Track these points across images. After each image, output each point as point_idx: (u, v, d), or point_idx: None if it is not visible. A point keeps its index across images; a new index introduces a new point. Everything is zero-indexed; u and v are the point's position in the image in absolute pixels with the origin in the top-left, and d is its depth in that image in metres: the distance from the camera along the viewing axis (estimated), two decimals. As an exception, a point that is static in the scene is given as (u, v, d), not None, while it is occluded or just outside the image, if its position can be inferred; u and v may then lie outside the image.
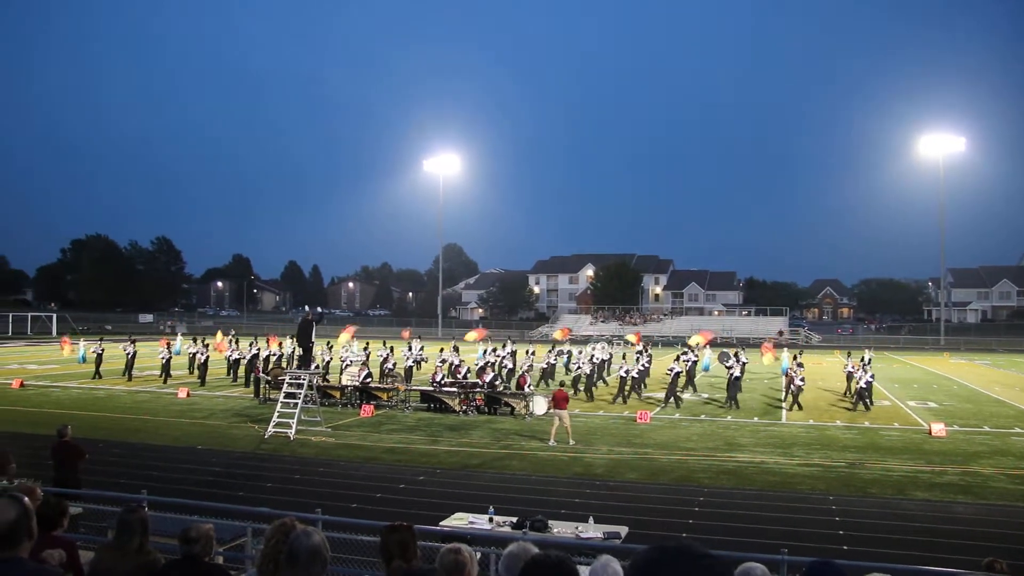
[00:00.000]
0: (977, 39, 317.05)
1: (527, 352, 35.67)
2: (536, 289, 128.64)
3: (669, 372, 28.07)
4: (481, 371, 28.09)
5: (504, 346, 36.90)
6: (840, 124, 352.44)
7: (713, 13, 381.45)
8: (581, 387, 30.18)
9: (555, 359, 35.47)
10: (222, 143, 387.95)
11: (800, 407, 26.56)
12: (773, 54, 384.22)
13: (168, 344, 35.80)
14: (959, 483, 16.10)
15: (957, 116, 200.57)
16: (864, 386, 26.81)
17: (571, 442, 20.07)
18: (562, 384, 24.22)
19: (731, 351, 29.33)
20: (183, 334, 42.32)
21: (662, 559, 2.05)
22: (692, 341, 39.59)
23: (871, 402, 27.13)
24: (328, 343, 32.69)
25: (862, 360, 28.12)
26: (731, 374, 27.85)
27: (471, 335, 42.32)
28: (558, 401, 20.34)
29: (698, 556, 2.04)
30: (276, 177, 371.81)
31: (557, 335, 45.52)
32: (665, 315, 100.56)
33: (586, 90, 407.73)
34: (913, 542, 11.93)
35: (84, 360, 36.63)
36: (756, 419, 24.86)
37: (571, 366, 36.49)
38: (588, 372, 30.56)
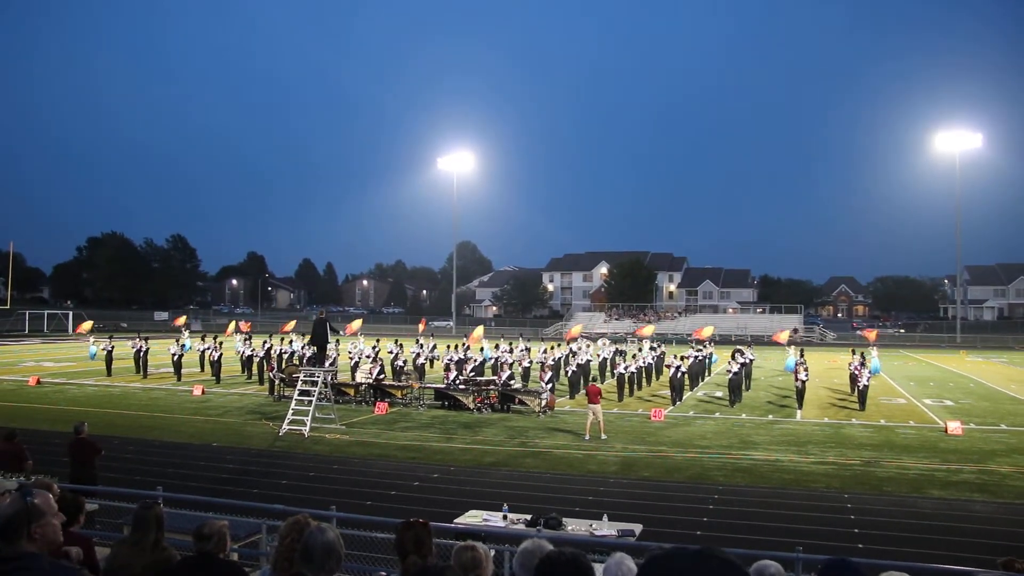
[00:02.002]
0: (994, 34, 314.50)
1: (541, 350, 35.63)
2: (550, 287, 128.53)
3: (669, 368, 28.06)
4: (497, 369, 28.09)
5: (517, 343, 36.85)
6: (856, 121, 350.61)
7: (728, 9, 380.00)
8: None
9: (559, 356, 35.44)
10: (237, 141, 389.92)
11: (800, 404, 26.42)
12: (789, 51, 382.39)
13: (179, 341, 35.95)
14: (975, 481, 15.99)
15: (974, 112, 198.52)
16: (866, 385, 26.65)
17: (603, 436, 20.35)
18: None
19: (743, 347, 29.27)
20: (192, 331, 42.40)
21: (681, 561, 2.03)
22: (706, 332, 39.55)
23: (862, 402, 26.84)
24: (336, 340, 32.64)
25: (862, 359, 27.89)
26: (729, 371, 27.79)
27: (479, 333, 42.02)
28: (591, 396, 20.64)
29: (721, 561, 2.02)
30: (291, 175, 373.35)
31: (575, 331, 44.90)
32: (679, 313, 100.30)
33: (599, 88, 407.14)
34: (929, 540, 11.86)
35: (94, 357, 36.86)
36: (770, 417, 24.77)
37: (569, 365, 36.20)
38: (574, 370, 30.43)
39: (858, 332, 39.02)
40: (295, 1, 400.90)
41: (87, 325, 47.82)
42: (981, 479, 16.21)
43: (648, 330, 42.31)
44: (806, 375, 26.77)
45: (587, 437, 20.36)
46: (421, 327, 44.90)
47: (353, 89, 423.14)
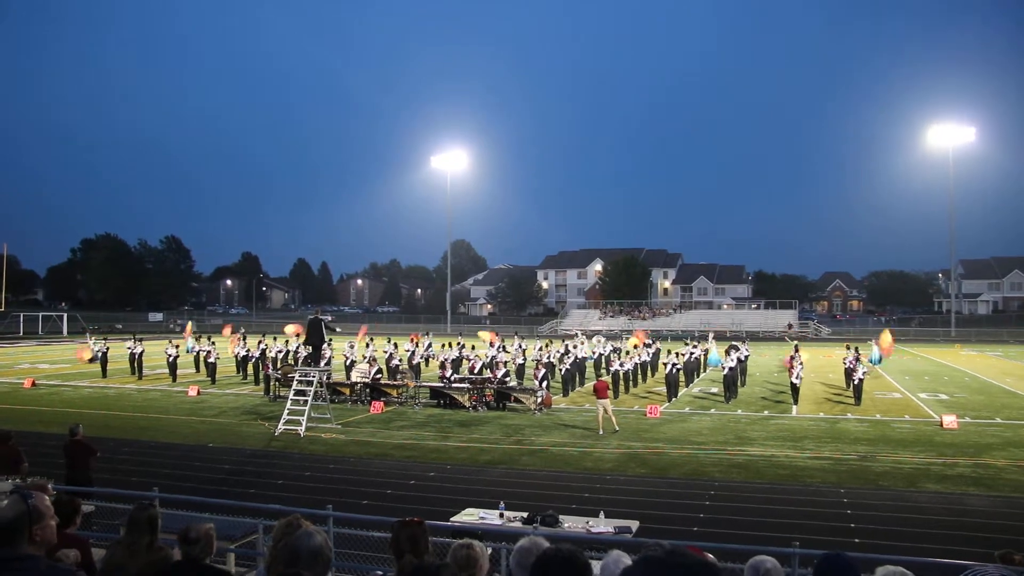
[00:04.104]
0: (986, 28, 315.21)
1: (536, 347, 35.56)
2: (544, 284, 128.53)
3: (665, 365, 28.09)
4: (492, 367, 28.04)
5: (513, 342, 36.80)
6: (849, 115, 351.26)
7: (719, 6, 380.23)
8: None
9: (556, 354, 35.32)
10: (231, 141, 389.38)
11: (796, 400, 26.44)
12: (782, 47, 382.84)
13: (175, 343, 35.82)
14: (971, 475, 16.03)
15: (966, 106, 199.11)
16: (861, 380, 26.70)
17: (616, 429, 20.54)
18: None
19: (738, 343, 29.31)
20: (194, 332, 42.15)
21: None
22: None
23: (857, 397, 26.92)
24: (329, 340, 32.38)
25: (856, 354, 27.96)
26: (724, 368, 27.81)
27: (484, 335, 41.53)
28: (599, 391, 20.77)
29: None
30: (285, 175, 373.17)
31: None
32: (674, 309, 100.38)
33: (592, 85, 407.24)
34: (925, 534, 11.89)
35: (96, 359, 36.75)
36: (766, 412, 24.80)
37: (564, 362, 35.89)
38: (568, 368, 30.21)
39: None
40: (294, 2, 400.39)
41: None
42: (977, 473, 16.25)
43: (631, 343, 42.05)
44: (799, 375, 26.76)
45: (601, 432, 20.55)
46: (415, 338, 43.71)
47: (348, 89, 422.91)
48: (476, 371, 28.84)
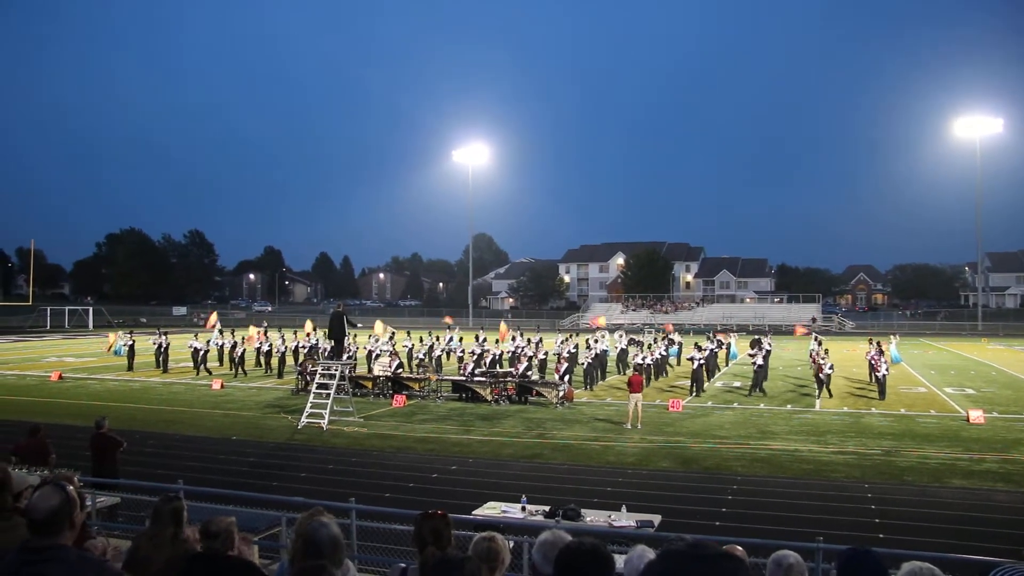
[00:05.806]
0: (1016, 18, 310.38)
1: (558, 341, 35.47)
2: (566, 278, 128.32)
3: (690, 360, 27.99)
4: (514, 360, 28.06)
5: (534, 336, 36.76)
6: (875, 108, 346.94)
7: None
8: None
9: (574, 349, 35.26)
10: (255, 137, 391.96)
11: (830, 394, 26.21)
12: (805, 38, 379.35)
13: (197, 336, 36.12)
14: (998, 471, 15.84)
15: (994, 97, 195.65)
16: (884, 375, 26.43)
17: (639, 426, 20.56)
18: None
19: (761, 338, 29.14)
20: (217, 326, 42.42)
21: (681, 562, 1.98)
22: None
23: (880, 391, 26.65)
24: (353, 336, 32.40)
25: (879, 347, 27.66)
26: (754, 362, 27.63)
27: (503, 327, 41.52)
28: (634, 385, 20.88)
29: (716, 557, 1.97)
30: (308, 170, 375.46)
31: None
32: (696, 303, 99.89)
33: (614, 78, 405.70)
34: (951, 530, 11.77)
35: (120, 353, 37.14)
36: (789, 406, 24.64)
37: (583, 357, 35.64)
38: (590, 361, 30.01)
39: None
40: (311, 1, 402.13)
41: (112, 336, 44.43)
42: (1004, 468, 16.06)
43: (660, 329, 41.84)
44: (831, 368, 26.53)
45: (628, 425, 20.63)
46: (448, 320, 43.73)
47: (369, 84, 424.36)
48: (489, 364, 28.89)
